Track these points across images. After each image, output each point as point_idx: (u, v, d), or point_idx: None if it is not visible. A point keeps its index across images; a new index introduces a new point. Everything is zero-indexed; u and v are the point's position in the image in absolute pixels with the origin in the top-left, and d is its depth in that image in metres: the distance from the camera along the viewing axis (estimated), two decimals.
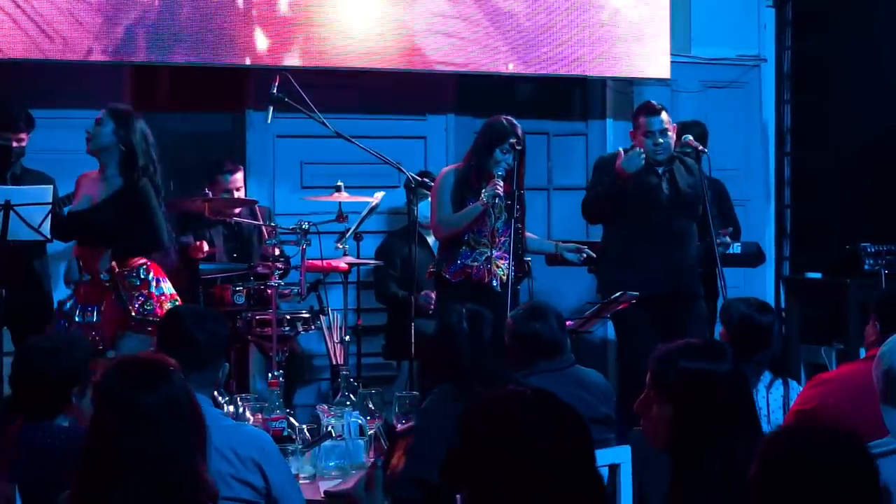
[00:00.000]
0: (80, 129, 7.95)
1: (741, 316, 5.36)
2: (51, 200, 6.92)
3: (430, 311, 7.63)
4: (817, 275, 8.57)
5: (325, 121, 7.17)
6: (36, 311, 7.34)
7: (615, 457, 4.73)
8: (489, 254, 6.93)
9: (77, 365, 4.44)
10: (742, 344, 5.27)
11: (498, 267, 6.92)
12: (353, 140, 7.22)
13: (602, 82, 9.22)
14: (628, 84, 9.22)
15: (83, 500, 2.84)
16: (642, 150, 7.08)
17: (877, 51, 9.04)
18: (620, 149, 7.21)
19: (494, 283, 6.90)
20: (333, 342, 7.69)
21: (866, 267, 8.17)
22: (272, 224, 7.35)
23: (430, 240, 8.27)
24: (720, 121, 9.00)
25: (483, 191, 6.83)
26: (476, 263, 6.91)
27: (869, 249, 8.18)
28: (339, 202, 7.45)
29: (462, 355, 4.32)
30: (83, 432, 4.42)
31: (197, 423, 2.88)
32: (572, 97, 9.40)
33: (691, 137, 7.27)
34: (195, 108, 8.51)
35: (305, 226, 7.05)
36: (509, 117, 7.07)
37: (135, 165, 6.32)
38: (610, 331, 9.20)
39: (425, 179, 7.44)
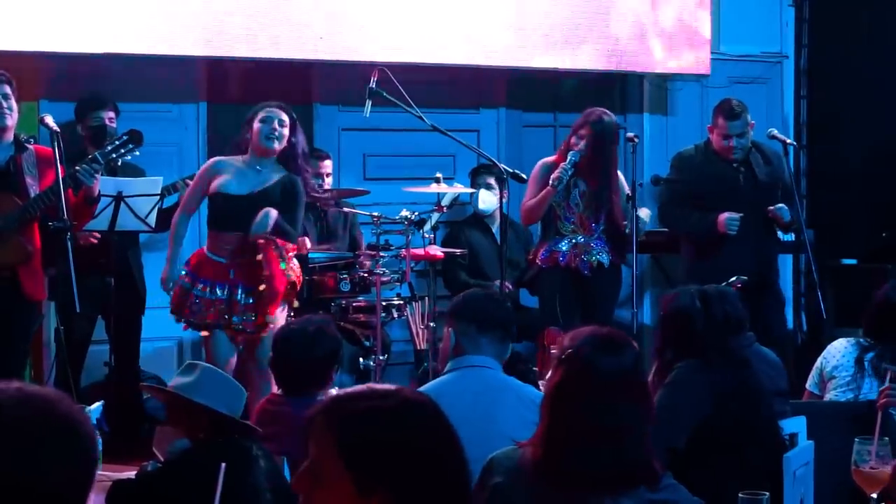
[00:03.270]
0: (156, 122, 8.19)
1: (886, 296, 5.76)
2: (159, 192, 7.12)
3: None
4: (852, 261, 9.03)
5: (422, 115, 7.42)
6: (128, 300, 7.51)
7: (794, 426, 5.10)
8: (579, 240, 7.28)
9: (337, 346, 4.73)
10: (882, 324, 5.69)
11: (587, 253, 7.28)
12: (448, 133, 7.47)
13: (639, 78, 9.60)
14: (664, 79, 9.62)
15: (544, 461, 3.11)
16: (737, 217, 7.40)
17: (891, 48, 9.55)
18: (724, 216, 7.44)
19: (584, 269, 7.26)
20: (418, 327, 7.96)
21: None
22: (375, 214, 7.60)
23: (493, 228, 8.59)
24: None
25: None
26: (563, 249, 7.26)
27: None
28: (438, 193, 7.72)
29: (699, 333, 4.64)
30: None
31: (648, 402, 3.16)
32: (612, 92, 9.75)
33: (776, 131, 7.65)
34: (265, 101, 8.67)
35: (412, 216, 7.32)
36: (596, 109, 7.42)
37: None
38: (646, 316, 9.61)
39: (517, 171, 7.72)
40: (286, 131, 6.63)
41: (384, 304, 7.51)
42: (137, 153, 6.51)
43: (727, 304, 5.11)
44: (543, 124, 9.49)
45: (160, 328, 7.90)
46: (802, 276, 10.00)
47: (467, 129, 9.10)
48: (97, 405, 4.40)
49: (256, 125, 6.62)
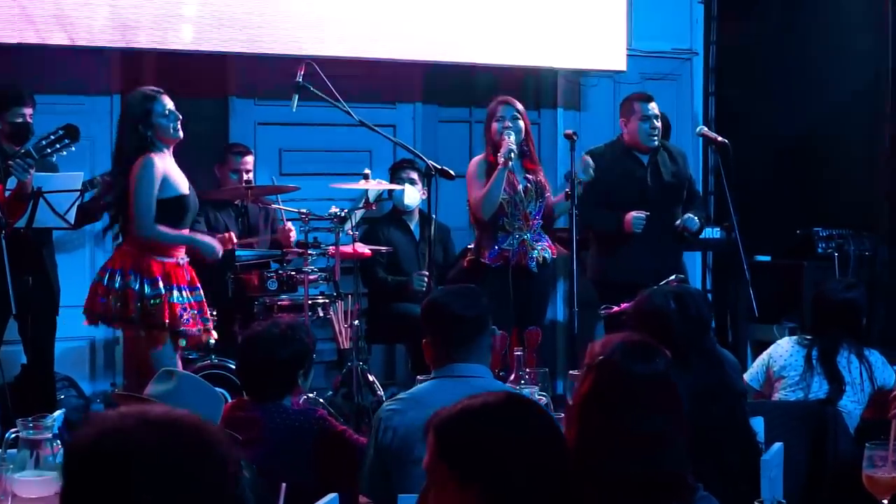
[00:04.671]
0: (68, 116, 7.89)
1: (826, 291, 5.82)
2: (80, 188, 6.86)
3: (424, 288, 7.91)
4: (766, 258, 9.09)
5: (349, 110, 7.28)
6: (44, 299, 7.24)
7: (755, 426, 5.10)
8: (524, 237, 7.21)
9: (304, 349, 4.56)
10: (818, 320, 5.75)
11: (533, 249, 7.21)
12: (376, 129, 7.35)
13: (553, 73, 9.55)
14: (576, 75, 9.59)
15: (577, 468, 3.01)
16: (643, 217, 7.40)
17: (798, 46, 9.63)
18: (631, 215, 7.43)
19: (532, 265, 7.20)
20: (341, 326, 7.81)
21: (819, 250, 8.74)
22: (303, 210, 7.44)
23: (412, 225, 8.48)
24: None
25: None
26: (512, 247, 7.17)
27: (821, 234, 8.76)
28: (364, 190, 7.58)
29: (675, 334, 4.58)
30: (315, 411, 4.55)
31: (681, 411, 3.07)
32: (526, 88, 9.69)
33: (706, 129, 7.69)
34: (179, 94, 8.43)
35: (342, 213, 7.17)
36: (502, 97, 7.42)
37: None
38: (560, 314, 9.60)
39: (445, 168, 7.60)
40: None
41: (310, 302, 7.36)
42: (73, 149, 6.25)
43: (698, 303, 5.08)
44: (459, 119, 9.41)
45: (72, 328, 7.64)
46: (710, 272, 10.05)
47: (384, 123, 8.94)
48: (59, 413, 4.16)
49: (161, 121, 6.32)
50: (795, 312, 8.89)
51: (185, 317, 6.22)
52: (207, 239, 6.58)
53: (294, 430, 4.39)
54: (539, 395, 4.95)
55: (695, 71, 10.09)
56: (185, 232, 6.38)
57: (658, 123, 7.55)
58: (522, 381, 5.07)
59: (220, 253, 6.52)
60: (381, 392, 7.75)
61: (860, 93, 9.26)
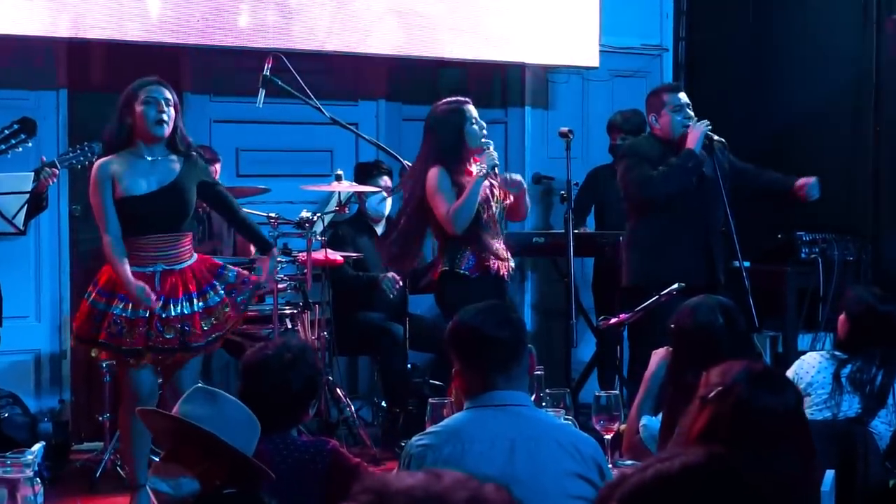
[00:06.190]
0: (11, 111, 7.37)
1: (863, 304, 5.40)
2: (30, 189, 6.31)
3: (394, 294, 7.45)
4: (745, 263, 8.68)
5: (320, 106, 6.89)
6: None
7: None
8: (500, 245, 6.65)
9: (317, 376, 4.08)
10: (863, 335, 5.33)
11: (508, 258, 6.70)
12: (348, 127, 7.06)
13: (521, 71, 9.11)
14: (544, 72, 9.17)
15: None
16: (699, 124, 6.93)
17: (775, 42, 9.29)
18: (695, 125, 6.97)
19: (506, 275, 6.67)
20: (310, 337, 7.30)
21: (802, 255, 8.34)
22: (272, 214, 6.93)
23: (379, 230, 8.03)
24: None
25: (477, 164, 6.46)
26: (489, 253, 6.57)
27: (804, 238, 8.36)
28: (338, 192, 7.10)
29: (722, 348, 4.18)
30: (326, 443, 4.04)
31: (813, 452, 2.65)
32: (493, 85, 9.25)
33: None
34: None
35: (313, 217, 6.70)
36: (457, 97, 6.85)
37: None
38: (528, 322, 9.16)
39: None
40: (173, 111, 5.80)
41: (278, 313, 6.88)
42: (30, 144, 5.72)
43: (743, 317, 4.66)
44: (423, 118, 8.90)
45: (15, 341, 7.11)
46: None
47: (346, 121, 8.50)
48: (38, 447, 3.63)
49: (140, 108, 5.74)
50: (777, 320, 8.51)
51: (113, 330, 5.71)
52: None
53: (303, 465, 3.89)
54: (565, 419, 4.49)
55: (665, 67, 9.68)
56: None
57: (691, 112, 7.04)
58: (543, 404, 4.59)
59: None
60: (351, 408, 7.29)
61: (841, 92, 8.90)
